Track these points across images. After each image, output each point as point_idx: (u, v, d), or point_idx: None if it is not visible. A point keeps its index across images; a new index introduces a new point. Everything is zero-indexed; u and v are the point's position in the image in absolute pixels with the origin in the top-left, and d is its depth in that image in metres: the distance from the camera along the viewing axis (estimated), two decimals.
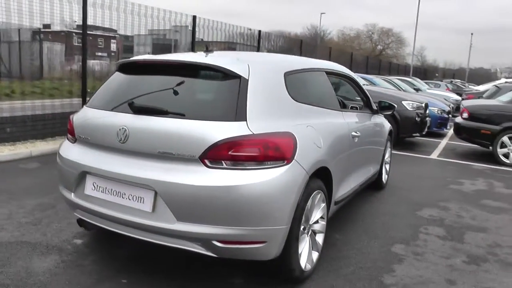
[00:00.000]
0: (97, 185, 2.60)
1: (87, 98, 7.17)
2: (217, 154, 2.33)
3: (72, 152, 2.82)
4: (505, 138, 7.30)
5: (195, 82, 2.70)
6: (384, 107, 4.52)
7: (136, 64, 2.95)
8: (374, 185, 4.98)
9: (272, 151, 2.38)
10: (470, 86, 22.62)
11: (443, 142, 9.80)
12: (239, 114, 2.42)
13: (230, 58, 2.80)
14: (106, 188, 2.56)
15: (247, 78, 2.55)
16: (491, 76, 61.18)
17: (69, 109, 7.12)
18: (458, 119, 8.05)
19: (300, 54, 13.61)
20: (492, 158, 7.52)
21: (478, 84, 26.47)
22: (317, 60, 3.85)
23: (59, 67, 18.03)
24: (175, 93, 2.61)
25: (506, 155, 7.36)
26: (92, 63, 18.22)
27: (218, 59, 2.70)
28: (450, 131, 11.33)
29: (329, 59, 14.46)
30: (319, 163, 2.75)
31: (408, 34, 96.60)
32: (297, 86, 2.94)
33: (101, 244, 3.23)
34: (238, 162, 2.34)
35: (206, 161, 2.34)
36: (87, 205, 2.65)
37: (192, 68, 2.68)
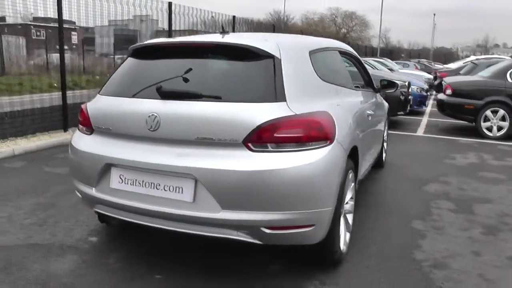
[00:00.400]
0: (125, 178, 2.42)
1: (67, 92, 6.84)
2: (262, 137, 2.22)
3: (91, 144, 2.61)
4: (488, 112, 7.53)
5: (225, 63, 2.56)
6: (385, 86, 4.52)
7: (153, 48, 2.76)
8: (375, 164, 5.01)
9: (315, 131, 2.31)
10: (436, 65, 23.26)
11: (424, 119, 10.02)
12: (279, 95, 2.33)
13: (257, 38, 2.68)
14: (136, 180, 2.39)
15: (279, 57, 2.45)
16: (453, 55, 63.15)
17: (47, 104, 6.76)
18: (442, 96, 8.23)
19: None
20: (475, 133, 7.75)
21: (444, 63, 27.27)
22: (329, 39, 3.78)
23: (22, 62, 17.17)
24: (205, 76, 2.48)
25: (489, 129, 7.61)
26: (54, 56, 17.43)
27: (246, 39, 2.59)
28: (428, 109, 11.65)
29: None
30: (352, 142, 2.71)
31: (371, 17, 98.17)
32: (321, 65, 2.86)
33: (119, 240, 3.06)
34: (282, 144, 2.25)
35: (250, 144, 2.23)
36: (114, 200, 2.46)
37: (221, 49, 2.54)
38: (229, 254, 2.87)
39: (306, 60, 2.69)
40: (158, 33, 9.40)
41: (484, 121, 7.60)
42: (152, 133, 2.36)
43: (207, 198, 2.23)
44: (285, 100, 2.33)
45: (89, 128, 2.68)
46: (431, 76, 15.44)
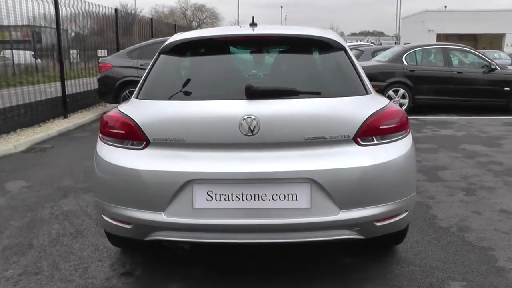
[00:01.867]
0: (216, 194, 2.11)
1: None
2: (369, 131, 2.22)
3: (153, 161, 2.17)
4: (390, 92, 8.60)
5: (301, 57, 2.43)
6: None
7: (209, 43, 2.45)
8: None
9: (404, 120, 2.38)
10: None
11: None
12: (365, 87, 2.38)
13: (317, 29, 2.60)
14: (232, 194, 2.11)
15: (347, 49, 2.48)
16: None
17: None
18: None
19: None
20: None
21: None
22: None
23: None
24: (287, 71, 2.33)
25: None
26: None
27: (311, 30, 2.50)
28: None
29: (152, 33, 14.02)
30: None
31: (221, 9, 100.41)
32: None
33: (163, 266, 2.68)
34: (384, 135, 2.27)
35: (359, 139, 2.20)
36: (200, 221, 2.12)
37: (293, 41, 2.42)
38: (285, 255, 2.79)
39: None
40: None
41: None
42: (249, 138, 2.12)
43: (323, 201, 2.14)
44: (371, 92, 2.39)
45: (139, 141, 2.22)
46: None
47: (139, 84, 2.46)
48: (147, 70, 2.51)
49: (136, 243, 2.67)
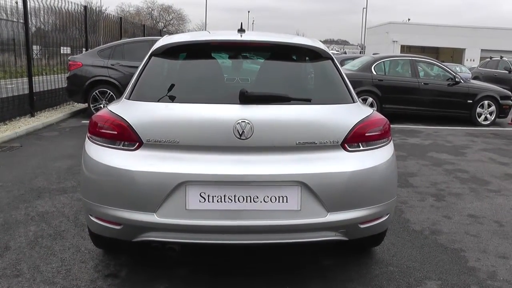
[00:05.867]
0: (209, 195, 2.15)
1: None
2: (356, 137, 2.33)
3: (147, 162, 2.17)
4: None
5: (290, 64, 2.52)
6: None
7: (201, 47, 2.48)
8: None
9: (387, 128, 2.51)
10: None
11: None
12: (352, 96, 2.51)
13: (305, 38, 2.69)
14: (225, 196, 2.15)
15: (334, 59, 2.60)
16: None
17: None
18: None
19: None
20: None
21: None
22: None
23: None
24: (278, 77, 2.40)
25: None
26: None
27: (300, 39, 2.59)
28: None
29: (121, 32, 13.82)
30: None
31: (188, 11, 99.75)
32: None
33: (148, 267, 2.67)
34: (370, 142, 2.39)
35: (346, 145, 2.31)
36: (193, 222, 2.15)
37: (284, 48, 2.50)
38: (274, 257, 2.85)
39: None
40: None
41: None
42: (243, 141, 2.17)
43: (312, 203, 2.22)
44: (357, 100, 2.50)
45: (132, 142, 2.22)
46: None
47: (131, 85, 2.45)
48: (138, 71, 2.50)
49: (121, 245, 2.67)
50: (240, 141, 2.17)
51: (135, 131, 2.20)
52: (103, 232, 2.39)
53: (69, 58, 8.97)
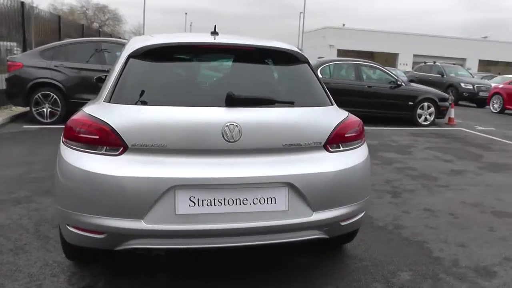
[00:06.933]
0: (199, 199, 2.13)
1: None
2: (336, 138, 2.42)
3: (133, 167, 2.10)
4: None
5: (272, 67, 2.57)
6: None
7: (180, 49, 2.44)
8: None
9: (362, 129, 2.63)
10: None
11: None
12: (330, 98, 2.61)
13: (282, 42, 2.74)
14: (214, 199, 2.14)
15: (310, 63, 2.68)
16: None
17: None
18: None
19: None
20: None
21: None
22: None
23: None
24: (258, 80, 2.44)
25: None
26: None
27: (277, 43, 2.64)
28: None
29: (60, 31, 13.18)
30: None
31: (124, 11, 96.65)
32: None
33: (126, 276, 2.58)
34: (348, 142, 2.50)
35: (328, 146, 2.40)
36: (182, 227, 2.11)
37: (264, 52, 2.53)
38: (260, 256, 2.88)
39: None
40: None
41: None
42: (231, 144, 2.17)
43: (298, 203, 2.27)
44: (334, 103, 2.59)
45: (116, 147, 2.13)
46: None
47: (109, 87, 2.34)
48: (114, 73, 2.40)
49: (100, 255, 2.55)
50: (229, 144, 2.17)
51: (119, 135, 2.11)
52: (82, 243, 2.27)
53: (7, 58, 8.35)
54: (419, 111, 9.65)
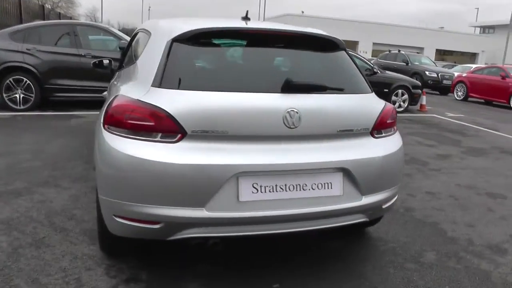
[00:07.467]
0: (261, 186, 2.11)
1: None
2: (380, 124, 2.49)
3: (194, 154, 2.03)
4: None
5: (317, 54, 2.57)
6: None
7: (227, 34, 2.38)
8: None
9: (395, 116, 2.71)
10: None
11: None
12: (369, 85, 2.65)
13: (320, 30, 2.73)
14: (276, 185, 2.14)
15: (346, 49, 2.69)
16: None
17: None
18: None
19: None
20: None
21: None
22: None
23: None
24: (307, 66, 2.46)
25: None
26: None
27: (318, 30, 2.64)
28: None
29: (20, 12, 12.38)
30: None
31: None
32: None
33: (166, 267, 2.53)
34: (388, 129, 2.58)
35: (374, 132, 2.47)
36: (246, 214, 2.09)
37: (307, 39, 2.54)
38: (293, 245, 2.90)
39: None
40: None
41: None
42: (291, 130, 2.17)
43: (351, 188, 2.32)
44: (373, 91, 2.64)
45: (173, 133, 2.06)
46: None
47: (152, 71, 2.21)
48: (154, 57, 2.27)
49: (139, 246, 2.48)
50: (289, 130, 2.17)
51: (177, 121, 2.04)
52: (131, 234, 2.20)
53: None
54: (393, 97, 9.97)
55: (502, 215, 3.77)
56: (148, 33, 2.73)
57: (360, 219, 2.45)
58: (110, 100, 2.35)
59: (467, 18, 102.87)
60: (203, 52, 2.35)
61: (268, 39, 2.47)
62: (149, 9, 61.91)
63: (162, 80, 2.17)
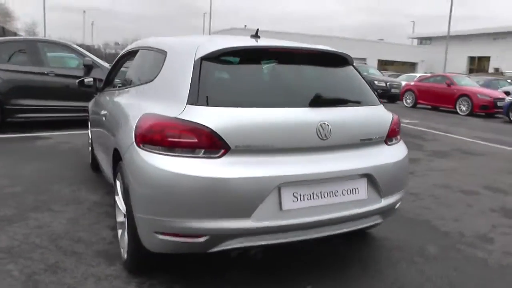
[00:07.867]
0: (300, 194, 2.25)
1: None
2: (391, 133, 2.74)
3: (239, 168, 2.12)
4: None
5: (332, 70, 2.75)
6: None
7: (256, 52, 2.52)
8: None
9: (400, 125, 2.97)
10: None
11: None
12: (378, 98, 2.86)
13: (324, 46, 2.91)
14: (313, 193, 2.29)
15: (354, 65, 2.89)
16: (98, 52, 65.72)
17: None
18: None
19: None
20: None
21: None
22: None
23: None
24: (326, 81, 2.65)
25: None
26: None
27: (328, 47, 2.81)
28: None
29: None
30: None
31: (14, 8, 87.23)
32: None
33: (196, 278, 2.54)
34: (396, 136, 2.83)
35: (387, 140, 2.70)
36: (288, 222, 2.22)
37: (323, 56, 2.73)
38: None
39: None
40: None
41: None
42: (322, 141, 2.34)
43: (373, 192, 2.52)
44: (381, 103, 2.85)
45: (216, 149, 2.13)
46: None
47: (183, 90, 2.25)
48: (185, 75, 2.31)
49: (169, 261, 2.48)
50: (321, 141, 2.33)
51: (221, 137, 2.12)
52: (171, 249, 2.22)
53: None
54: None
55: (480, 209, 4.13)
56: (161, 51, 2.75)
57: (377, 220, 2.65)
58: (135, 118, 2.37)
59: (405, 30, 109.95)
60: (232, 70, 2.43)
61: (291, 56, 2.62)
62: (92, 24, 60.16)
63: (198, 98, 2.22)
